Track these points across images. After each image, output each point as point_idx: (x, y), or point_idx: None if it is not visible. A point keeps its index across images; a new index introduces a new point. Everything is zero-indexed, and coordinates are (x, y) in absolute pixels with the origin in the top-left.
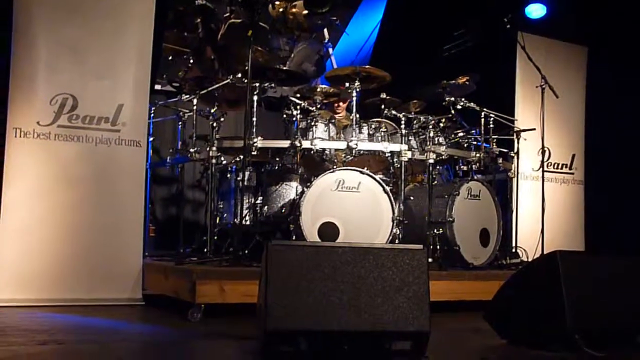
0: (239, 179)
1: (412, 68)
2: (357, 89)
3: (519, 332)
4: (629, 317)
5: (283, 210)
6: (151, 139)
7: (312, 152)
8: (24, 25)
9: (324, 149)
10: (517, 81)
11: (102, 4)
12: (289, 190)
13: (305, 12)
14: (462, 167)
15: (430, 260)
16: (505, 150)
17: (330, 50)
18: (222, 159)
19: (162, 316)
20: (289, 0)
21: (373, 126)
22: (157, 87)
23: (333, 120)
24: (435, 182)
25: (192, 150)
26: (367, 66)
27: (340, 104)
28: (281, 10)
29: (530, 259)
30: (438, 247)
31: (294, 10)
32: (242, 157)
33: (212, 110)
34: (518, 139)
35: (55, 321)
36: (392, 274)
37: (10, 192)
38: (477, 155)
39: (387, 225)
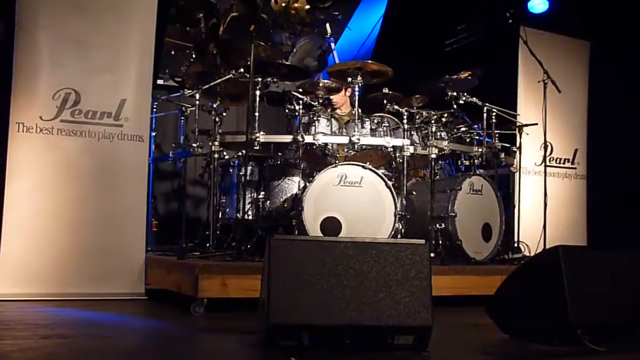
0: (241, 173)
1: (414, 63)
2: (359, 84)
3: (521, 326)
4: (631, 311)
5: (285, 205)
6: (154, 133)
7: (314, 147)
8: (26, 19)
9: (326, 144)
10: (519, 76)
11: None
12: (291, 185)
13: (308, 6)
14: (464, 162)
15: (432, 255)
16: (508, 145)
17: (333, 45)
18: (225, 153)
19: (165, 311)
20: None
21: (375, 121)
22: (160, 82)
23: (335, 115)
24: (438, 177)
25: (194, 145)
26: (369, 61)
27: (336, 97)
28: (283, 4)
29: (532, 254)
30: (440, 241)
31: (296, 4)
32: (244, 152)
33: (215, 105)
34: (520, 134)
35: (58, 315)
36: (395, 268)
37: (13, 187)
38: (480, 150)
39: (390, 220)
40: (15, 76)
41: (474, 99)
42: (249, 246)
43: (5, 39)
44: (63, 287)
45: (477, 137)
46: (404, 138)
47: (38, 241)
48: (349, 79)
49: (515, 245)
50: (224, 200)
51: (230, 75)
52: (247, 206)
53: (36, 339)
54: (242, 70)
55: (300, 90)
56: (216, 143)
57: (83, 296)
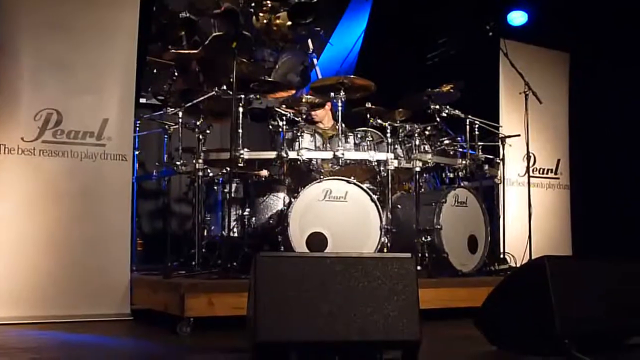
0: (226, 191)
1: (396, 77)
2: (342, 99)
3: (509, 338)
4: (618, 320)
5: (271, 222)
6: (137, 152)
7: (298, 162)
8: (7, 39)
9: (310, 159)
10: (501, 88)
11: (86, 18)
12: (277, 201)
13: (289, 23)
14: (448, 174)
15: (419, 268)
16: (491, 157)
17: (315, 60)
18: (209, 171)
19: (151, 331)
20: (272, 11)
21: (359, 135)
22: (142, 100)
23: (319, 130)
24: (422, 190)
25: (178, 163)
26: (351, 76)
27: (317, 112)
28: (265, 21)
29: (518, 265)
30: (426, 254)
31: (277, 21)
32: (228, 169)
33: (198, 123)
34: (503, 145)
35: (43, 339)
36: (381, 283)
37: None
38: (463, 162)
39: (375, 234)
40: None
41: (457, 112)
42: (235, 264)
43: None
44: (47, 309)
45: (460, 150)
46: (387, 152)
47: (21, 263)
48: (332, 94)
49: (501, 256)
50: (209, 218)
51: (213, 92)
52: (233, 223)
53: None
54: (225, 87)
55: (284, 106)
56: (200, 161)
57: (68, 318)
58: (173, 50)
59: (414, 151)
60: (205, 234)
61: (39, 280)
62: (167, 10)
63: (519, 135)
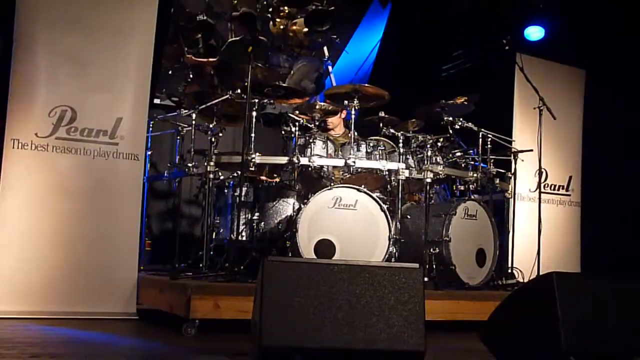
0: (236, 194)
1: (411, 87)
2: (356, 107)
3: (514, 353)
4: (625, 339)
5: (280, 227)
6: (149, 152)
7: (309, 169)
8: (25, 36)
9: (321, 166)
10: (515, 102)
11: (103, 16)
12: (286, 206)
13: (306, 29)
14: (459, 186)
15: (426, 279)
16: (503, 171)
17: (330, 68)
18: (220, 174)
19: (156, 331)
20: (289, 17)
21: (371, 144)
22: (157, 101)
23: (331, 138)
24: (432, 201)
25: (189, 164)
26: (366, 84)
27: (332, 119)
28: (282, 27)
29: (526, 280)
30: (434, 266)
31: (294, 27)
32: (239, 172)
33: (211, 126)
34: (515, 160)
35: (49, 334)
36: (388, 292)
37: (6, 204)
38: (475, 175)
39: (384, 243)
40: (11, 92)
41: (470, 125)
42: (242, 267)
43: (2, 54)
44: (54, 305)
45: (472, 163)
46: (399, 162)
47: (30, 258)
48: (346, 102)
49: (509, 271)
50: (218, 221)
51: (227, 96)
52: (242, 227)
53: (25, 357)
54: (239, 91)
55: (297, 112)
56: (212, 163)
57: (74, 315)
58: (193, 57)
59: (426, 162)
60: (213, 236)
61: (47, 276)
62: (184, 12)
63: (531, 151)
